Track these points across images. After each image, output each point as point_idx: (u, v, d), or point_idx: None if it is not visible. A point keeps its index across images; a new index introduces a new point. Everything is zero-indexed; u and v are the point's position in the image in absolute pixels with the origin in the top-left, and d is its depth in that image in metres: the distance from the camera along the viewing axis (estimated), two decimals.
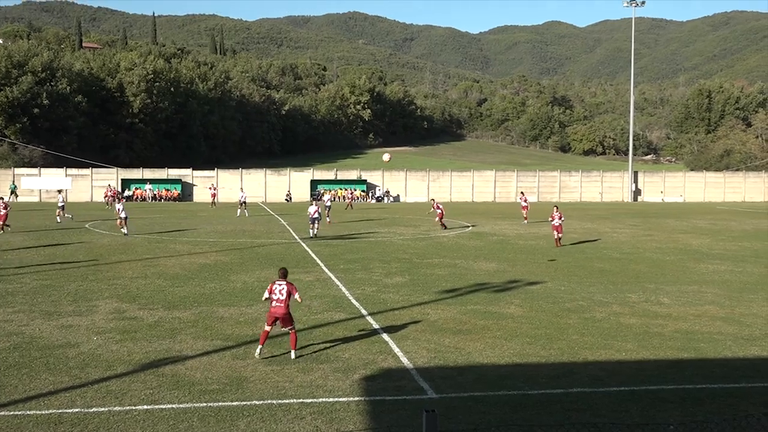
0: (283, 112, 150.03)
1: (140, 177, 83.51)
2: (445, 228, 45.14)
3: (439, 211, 46.34)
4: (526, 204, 51.58)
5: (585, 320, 19.11)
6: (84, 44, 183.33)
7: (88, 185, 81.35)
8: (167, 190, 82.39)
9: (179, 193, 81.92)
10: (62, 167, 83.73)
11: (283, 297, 15.23)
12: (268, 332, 15.48)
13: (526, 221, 50.29)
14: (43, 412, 12.02)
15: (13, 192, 76.46)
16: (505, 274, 27.09)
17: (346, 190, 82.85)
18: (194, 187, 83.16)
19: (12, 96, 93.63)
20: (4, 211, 40.11)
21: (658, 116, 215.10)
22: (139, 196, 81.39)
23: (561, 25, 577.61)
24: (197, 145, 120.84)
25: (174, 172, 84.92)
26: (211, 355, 15.42)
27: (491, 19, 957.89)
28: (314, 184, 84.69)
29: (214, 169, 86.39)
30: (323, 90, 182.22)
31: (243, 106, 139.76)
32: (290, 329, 15.42)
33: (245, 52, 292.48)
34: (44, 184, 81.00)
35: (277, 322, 15.32)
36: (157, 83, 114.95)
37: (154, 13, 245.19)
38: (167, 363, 14.85)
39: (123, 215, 39.91)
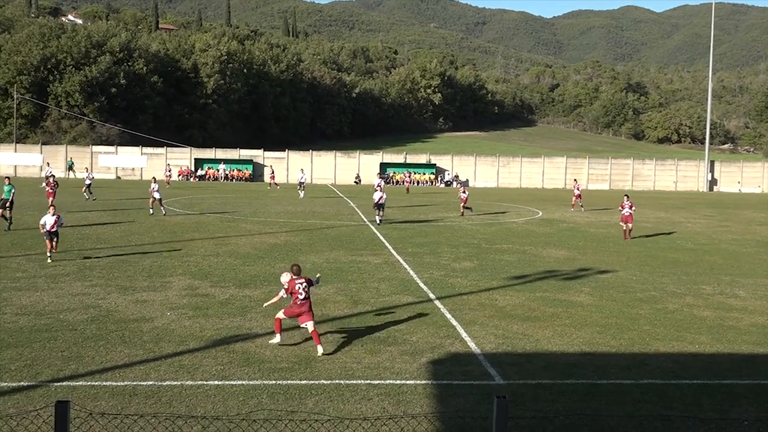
0: (354, 95, 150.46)
1: (213, 157, 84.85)
2: (471, 211, 44.36)
3: (464, 195, 44.68)
4: (578, 192, 50.59)
5: (657, 311, 18.76)
6: (160, 25, 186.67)
7: (163, 164, 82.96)
8: (239, 170, 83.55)
9: (250, 174, 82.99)
10: (138, 146, 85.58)
11: (307, 294, 14.87)
12: (282, 321, 15.06)
13: (572, 209, 49.40)
14: (119, 384, 12.34)
15: (71, 168, 78.35)
16: (575, 261, 26.76)
17: (403, 173, 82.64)
18: (265, 168, 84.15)
19: (91, 75, 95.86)
20: (49, 189, 40.07)
21: (736, 105, 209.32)
22: (212, 176, 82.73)
23: (638, 9, 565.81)
24: (268, 126, 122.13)
25: (245, 153, 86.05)
26: (281, 334, 15.59)
27: (565, 3, 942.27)
28: (383, 167, 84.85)
29: (284, 151, 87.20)
30: (394, 73, 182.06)
31: (314, 89, 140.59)
32: (314, 326, 14.73)
33: (317, 34, 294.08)
34: (120, 161, 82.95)
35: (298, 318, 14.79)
36: (231, 65, 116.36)
37: None
38: (238, 340, 15.09)
39: (156, 196, 39.02)
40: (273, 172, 73.34)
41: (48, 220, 23.56)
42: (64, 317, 16.63)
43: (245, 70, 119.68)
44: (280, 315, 15.00)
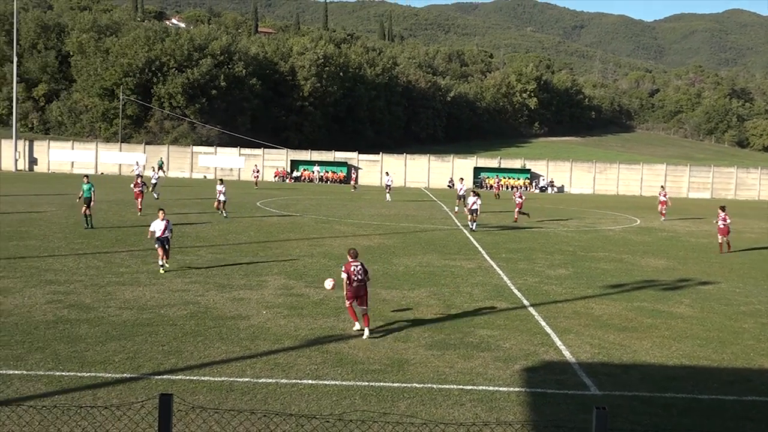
0: (449, 99, 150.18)
1: (308, 159, 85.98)
2: (528, 216, 43.14)
3: (519, 200, 43.16)
4: (665, 199, 48.73)
5: (762, 325, 18.07)
6: (259, 29, 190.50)
7: (260, 165, 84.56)
8: (333, 172, 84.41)
9: (345, 176, 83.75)
10: (236, 147, 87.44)
11: (363, 276, 15.91)
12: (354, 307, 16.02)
13: (663, 218, 47.75)
14: (216, 379, 12.61)
15: (161, 167, 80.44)
16: (674, 272, 26.03)
17: (492, 178, 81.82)
18: (359, 171, 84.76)
19: (192, 78, 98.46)
20: (138, 189, 38.64)
21: None
22: (307, 177, 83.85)
23: (743, 13, 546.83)
24: (363, 129, 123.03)
25: (340, 155, 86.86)
26: (374, 336, 15.68)
27: (667, 6, 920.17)
28: (477, 171, 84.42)
29: (378, 154, 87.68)
30: (489, 77, 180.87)
31: (409, 92, 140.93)
32: (365, 309, 15.83)
33: (413, 38, 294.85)
34: (219, 162, 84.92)
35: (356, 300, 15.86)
36: (327, 68, 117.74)
37: (326, 0, 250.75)
38: (331, 340, 15.24)
39: (222, 198, 38.47)
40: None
41: (157, 225, 22.20)
42: (165, 312, 17.11)
43: (341, 74, 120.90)
44: (347, 302, 16.00)
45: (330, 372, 13.23)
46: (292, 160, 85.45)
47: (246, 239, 30.44)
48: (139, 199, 38.50)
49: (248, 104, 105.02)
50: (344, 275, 15.92)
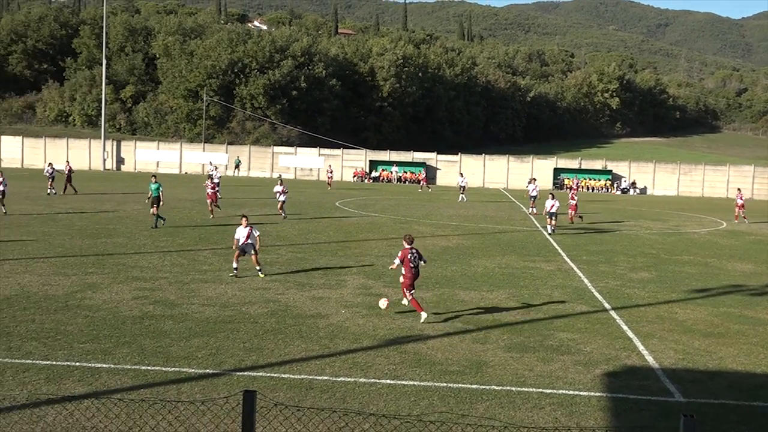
0: (528, 99, 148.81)
1: (387, 159, 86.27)
2: (581, 220, 41.30)
3: (573, 202, 40.85)
4: (741, 201, 47.11)
5: None
6: (339, 30, 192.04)
7: (339, 165, 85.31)
8: (412, 172, 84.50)
9: (423, 176, 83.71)
10: (316, 147, 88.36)
11: (418, 262, 16.87)
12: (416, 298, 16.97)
13: (736, 221, 46.22)
14: (296, 377, 12.76)
15: (237, 166, 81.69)
16: (762, 276, 25.23)
17: (571, 179, 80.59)
18: (438, 171, 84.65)
19: (274, 79, 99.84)
20: (212, 190, 36.79)
21: None
22: (385, 178, 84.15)
23: None
24: (442, 129, 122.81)
25: (419, 156, 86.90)
26: (452, 337, 15.65)
27: (755, 3, 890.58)
28: (557, 172, 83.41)
29: (457, 154, 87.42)
30: (570, 77, 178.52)
31: (488, 92, 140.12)
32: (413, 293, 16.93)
33: (492, 38, 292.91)
34: (299, 162, 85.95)
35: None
36: (406, 68, 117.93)
37: (405, 0, 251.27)
38: (410, 341, 15.25)
39: (282, 198, 37.57)
40: (426, 177, 72.73)
41: (240, 233, 21.52)
42: (246, 310, 17.40)
43: (420, 74, 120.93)
44: (408, 294, 16.84)
45: (408, 372, 13.25)
46: (370, 161, 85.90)
47: (325, 239, 30.73)
48: (210, 201, 36.73)
49: (328, 105, 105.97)
50: (397, 260, 16.88)
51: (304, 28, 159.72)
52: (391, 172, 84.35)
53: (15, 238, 27.57)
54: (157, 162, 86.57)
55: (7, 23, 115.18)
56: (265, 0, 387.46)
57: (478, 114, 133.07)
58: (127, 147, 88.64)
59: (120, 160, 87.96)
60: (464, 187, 56.38)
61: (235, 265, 21.43)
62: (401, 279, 17.26)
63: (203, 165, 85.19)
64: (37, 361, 13.04)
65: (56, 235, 28.91)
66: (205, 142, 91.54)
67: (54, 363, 12.99)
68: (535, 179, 50.05)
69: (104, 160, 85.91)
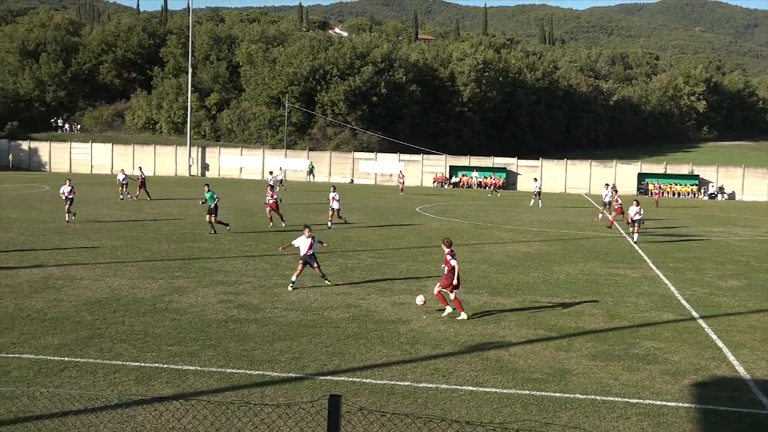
0: (611, 103, 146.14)
1: (467, 164, 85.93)
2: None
3: (617, 206, 40.52)
4: None
5: None
6: (419, 36, 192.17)
7: (419, 170, 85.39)
8: (492, 177, 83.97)
9: (504, 181, 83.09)
10: (396, 152, 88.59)
11: (452, 264, 17.70)
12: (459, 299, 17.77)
13: None
14: (377, 382, 12.82)
15: (311, 172, 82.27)
16: None
17: (655, 184, 78.61)
18: (518, 176, 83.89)
19: (354, 85, 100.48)
20: (272, 200, 35.66)
21: None
22: (465, 183, 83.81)
23: None
24: (523, 134, 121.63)
25: (499, 161, 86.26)
26: (534, 344, 15.48)
27: None
28: (641, 177, 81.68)
29: (538, 159, 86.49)
30: (654, 80, 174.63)
31: (570, 96, 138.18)
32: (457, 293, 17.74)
33: (574, 41, 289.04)
34: (379, 168, 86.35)
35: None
36: (487, 73, 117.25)
37: (485, 5, 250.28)
38: (491, 347, 15.15)
39: (335, 206, 36.30)
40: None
41: (302, 242, 20.86)
42: (328, 314, 17.56)
43: (501, 79, 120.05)
44: (451, 295, 17.60)
45: (490, 379, 13.17)
46: (450, 166, 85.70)
47: (406, 244, 30.78)
48: (270, 210, 35.49)
49: (408, 110, 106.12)
50: (454, 262, 17.67)
51: (384, 35, 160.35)
52: (471, 178, 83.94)
53: (106, 243, 28.45)
54: (240, 168, 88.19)
55: (98, 34, 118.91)
56: (345, 7, 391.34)
57: (559, 118, 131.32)
58: (212, 153, 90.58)
59: (205, 166, 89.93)
60: (539, 192, 55.57)
61: (294, 278, 20.71)
62: (443, 279, 17.99)
63: (285, 171, 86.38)
64: (127, 363, 13.42)
65: (144, 239, 29.72)
66: (287, 148, 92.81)
67: (143, 364, 13.34)
68: (608, 184, 48.88)
69: (190, 166, 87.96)
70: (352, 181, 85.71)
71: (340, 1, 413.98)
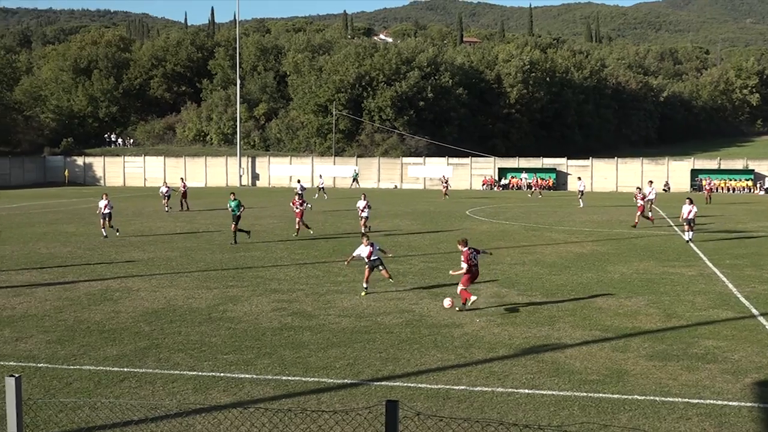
0: (661, 99, 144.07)
1: (515, 166, 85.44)
2: (652, 222, 39.06)
3: (641, 203, 39.65)
4: None
5: None
6: (464, 39, 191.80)
7: (467, 174, 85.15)
8: (542, 179, 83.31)
9: (553, 182, 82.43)
10: (444, 156, 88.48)
11: (477, 260, 18.88)
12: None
13: None
14: (432, 387, 12.80)
15: (355, 179, 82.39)
16: None
17: (705, 179, 76.98)
18: (568, 176, 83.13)
19: (401, 90, 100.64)
20: (300, 208, 34.83)
21: None
22: (515, 185, 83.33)
23: None
24: (571, 134, 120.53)
25: (548, 161, 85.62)
26: (590, 345, 15.32)
27: None
28: (694, 173, 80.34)
29: (588, 159, 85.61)
30: (705, 74, 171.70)
31: (618, 94, 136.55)
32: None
33: (621, 38, 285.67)
34: (428, 172, 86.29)
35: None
36: (533, 74, 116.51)
37: (530, 5, 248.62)
38: (546, 350, 15.04)
39: (365, 215, 35.32)
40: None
41: (362, 251, 20.97)
42: (381, 320, 17.59)
43: (548, 79, 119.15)
44: (460, 288, 18.50)
45: (546, 381, 13.07)
46: (499, 168, 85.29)
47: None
48: (298, 219, 34.73)
49: (455, 114, 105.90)
50: (464, 265, 18.45)
51: (429, 39, 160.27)
52: (521, 179, 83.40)
53: (160, 254, 28.89)
54: (290, 176, 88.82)
55: (147, 49, 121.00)
56: (390, 13, 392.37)
57: (608, 117, 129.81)
58: (262, 163, 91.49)
59: (255, 176, 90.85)
60: (582, 191, 54.73)
61: (365, 285, 20.91)
62: (461, 277, 18.83)
63: (334, 178, 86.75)
64: (185, 372, 13.61)
65: (197, 249, 30.12)
66: (335, 156, 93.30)
67: (200, 373, 13.52)
68: (652, 182, 47.74)
69: (240, 176, 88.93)
70: (396, 186, 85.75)
71: (384, 8, 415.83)
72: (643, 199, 40.05)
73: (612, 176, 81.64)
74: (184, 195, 50.47)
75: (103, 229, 34.43)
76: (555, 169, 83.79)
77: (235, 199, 33.16)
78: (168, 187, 50.28)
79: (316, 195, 62.14)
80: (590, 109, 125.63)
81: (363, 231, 33.49)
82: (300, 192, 49.65)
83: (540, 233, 36.06)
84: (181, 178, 58.30)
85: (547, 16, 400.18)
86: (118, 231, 34.61)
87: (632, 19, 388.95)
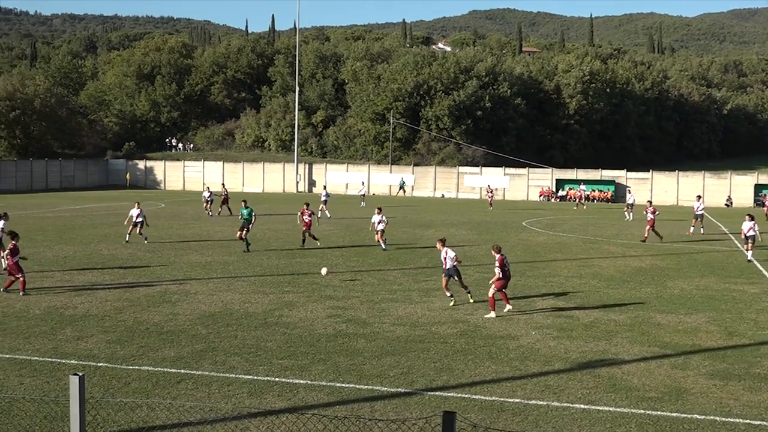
0: (725, 112, 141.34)
1: (574, 177, 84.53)
2: (660, 237, 37.72)
3: (651, 217, 38.21)
4: None
5: None
6: (524, 48, 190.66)
7: (524, 184, 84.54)
8: (600, 191, 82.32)
9: (612, 194, 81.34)
10: (501, 167, 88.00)
11: (507, 267, 19.38)
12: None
13: None
14: (487, 398, 12.72)
15: (401, 187, 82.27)
16: None
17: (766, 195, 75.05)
18: (627, 189, 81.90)
19: (459, 99, 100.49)
20: (309, 218, 33.61)
21: None
22: (572, 197, 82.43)
23: None
24: (631, 146, 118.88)
25: (607, 173, 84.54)
26: (649, 362, 15.07)
27: None
28: (758, 188, 78.53)
29: (648, 171, 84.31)
30: None
31: (680, 106, 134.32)
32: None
33: (684, 49, 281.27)
34: (485, 182, 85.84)
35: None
36: (593, 84, 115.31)
37: (591, 15, 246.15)
38: (603, 365, 14.83)
39: (380, 228, 33.07)
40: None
41: (442, 257, 20.67)
42: (436, 330, 17.54)
43: (608, 90, 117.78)
44: (491, 292, 18.97)
45: (603, 397, 12.88)
46: (557, 179, 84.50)
47: (512, 259, 30.35)
48: (305, 229, 33.37)
49: (513, 124, 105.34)
50: (498, 271, 18.99)
51: (488, 48, 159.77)
52: (578, 191, 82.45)
53: (218, 258, 29.26)
54: (346, 184, 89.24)
55: (209, 56, 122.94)
56: (449, 22, 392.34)
57: (670, 129, 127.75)
58: (318, 170, 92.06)
59: (312, 183, 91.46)
60: (632, 204, 53.73)
61: (448, 294, 20.61)
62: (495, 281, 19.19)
63: (389, 186, 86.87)
64: (240, 376, 13.74)
65: (254, 254, 30.42)
66: (392, 164, 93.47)
67: (255, 378, 13.63)
68: (700, 196, 46.56)
69: (297, 182, 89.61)
70: (443, 195, 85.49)
71: (443, 17, 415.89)
72: (654, 213, 38.98)
73: (672, 189, 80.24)
74: (225, 200, 50.99)
75: (128, 234, 34.19)
76: (614, 181, 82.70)
77: (247, 207, 33.02)
78: (211, 192, 50.98)
79: (362, 203, 62.00)
80: (651, 121, 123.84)
81: (380, 242, 32.75)
82: (324, 198, 50.19)
83: (598, 246, 35.60)
84: (222, 184, 58.94)
85: (608, 26, 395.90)
86: (146, 239, 34.06)
87: (696, 30, 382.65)
